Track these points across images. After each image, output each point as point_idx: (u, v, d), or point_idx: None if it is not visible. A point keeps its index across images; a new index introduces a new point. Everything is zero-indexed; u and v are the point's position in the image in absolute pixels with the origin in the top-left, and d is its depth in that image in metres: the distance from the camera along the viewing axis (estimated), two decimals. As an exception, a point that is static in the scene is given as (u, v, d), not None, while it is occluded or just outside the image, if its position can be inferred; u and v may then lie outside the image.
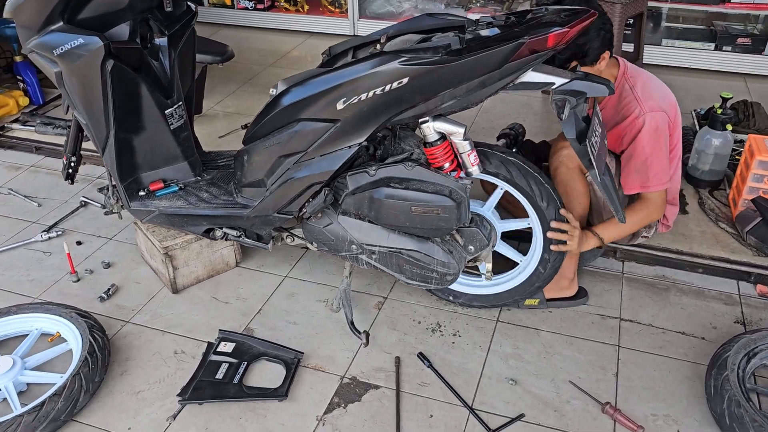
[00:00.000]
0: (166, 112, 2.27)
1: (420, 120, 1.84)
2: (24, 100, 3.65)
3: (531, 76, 1.75)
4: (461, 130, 1.83)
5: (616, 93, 2.09)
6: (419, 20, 2.04)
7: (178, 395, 1.98)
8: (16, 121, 3.57)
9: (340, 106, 1.79)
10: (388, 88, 1.73)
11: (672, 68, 4.06)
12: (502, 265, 2.25)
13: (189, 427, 1.91)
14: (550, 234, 2.04)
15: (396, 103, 1.76)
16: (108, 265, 2.59)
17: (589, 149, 1.75)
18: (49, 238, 2.76)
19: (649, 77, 2.15)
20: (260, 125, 1.96)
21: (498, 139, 2.35)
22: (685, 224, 2.64)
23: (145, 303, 2.39)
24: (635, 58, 3.60)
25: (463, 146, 1.86)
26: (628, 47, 3.65)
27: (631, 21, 3.62)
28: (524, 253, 2.19)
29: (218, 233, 2.25)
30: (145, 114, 2.23)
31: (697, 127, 3.18)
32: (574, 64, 1.95)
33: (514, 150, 2.33)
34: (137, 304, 2.39)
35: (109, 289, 2.44)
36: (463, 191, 1.85)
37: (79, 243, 2.73)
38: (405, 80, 1.71)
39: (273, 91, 1.91)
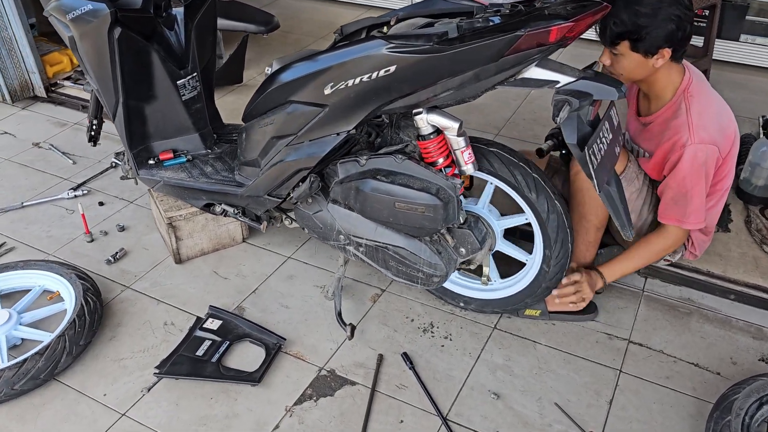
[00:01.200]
0: (178, 82, 2.25)
1: (414, 111, 1.73)
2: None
3: (533, 72, 1.60)
4: (455, 125, 1.70)
5: (670, 109, 1.88)
6: (431, 3, 1.90)
7: (157, 367, 1.99)
8: (68, 78, 3.69)
9: (327, 90, 1.70)
10: (375, 75, 1.62)
11: (748, 67, 3.69)
12: (518, 265, 2.11)
13: (161, 401, 1.92)
14: (557, 293, 1.96)
15: (384, 91, 1.66)
16: (122, 229, 2.63)
17: (588, 157, 1.59)
18: (75, 196, 2.84)
19: (711, 100, 1.88)
20: (256, 103, 1.90)
21: (546, 140, 2.18)
22: (725, 243, 2.40)
23: (148, 270, 2.42)
24: (704, 53, 3.28)
25: (457, 142, 1.73)
26: (698, 41, 3.33)
27: (706, 12, 3.30)
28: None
29: (217, 209, 2.23)
30: (156, 83, 2.22)
31: (761, 135, 2.87)
32: (624, 44, 1.76)
33: (563, 152, 2.16)
34: (141, 270, 2.42)
35: (117, 252, 2.48)
36: (452, 190, 1.73)
37: (101, 204, 2.80)
38: (392, 68, 1.60)
39: (268, 70, 1.85)
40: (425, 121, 1.73)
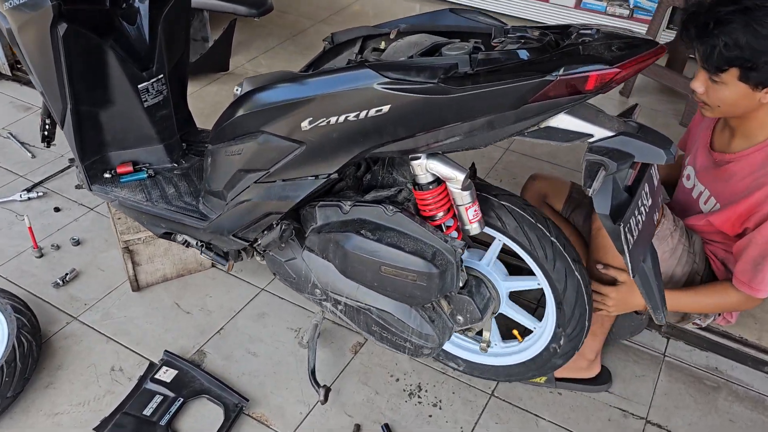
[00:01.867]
0: (139, 86, 1.92)
1: (410, 156, 1.41)
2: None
3: (561, 120, 1.27)
4: (461, 177, 1.38)
5: (763, 151, 1.55)
6: (440, 16, 1.58)
7: (95, 429, 1.71)
8: (36, 55, 3.33)
9: (305, 125, 1.38)
10: (363, 114, 1.30)
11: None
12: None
13: (97, 471, 1.64)
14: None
15: (374, 133, 1.34)
16: (77, 243, 2.33)
17: (623, 233, 1.27)
18: (29, 198, 2.52)
19: None
20: (223, 126, 1.57)
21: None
22: (761, 305, 2.09)
23: (101, 298, 2.12)
24: None
25: (461, 197, 1.42)
26: None
27: None
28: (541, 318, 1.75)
29: (179, 238, 1.92)
30: (112, 87, 1.89)
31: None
32: (732, 72, 1.42)
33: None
34: (92, 297, 2.12)
35: (67, 274, 2.18)
36: (452, 255, 1.42)
37: (57, 209, 2.48)
38: (385, 108, 1.28)
39: (237, 90, 1.52)
40: (424, 167, 1.41)
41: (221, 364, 1.92)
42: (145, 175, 2.00)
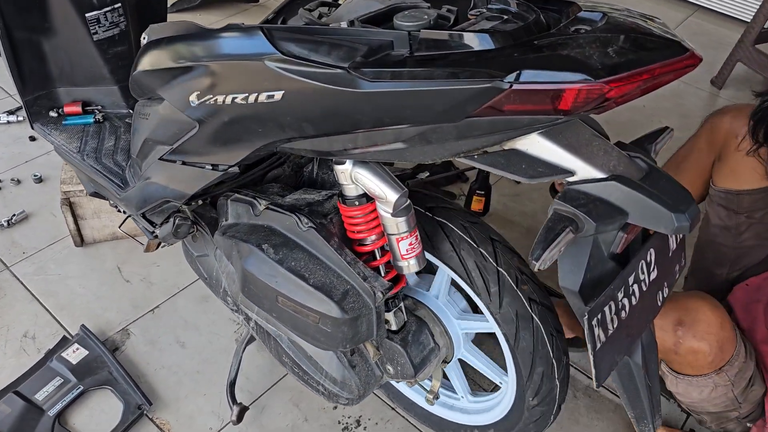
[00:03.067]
0: (87, 15, 1.61)
1: (333, 159, 1.04)
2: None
3: (532, 143, 0.86)
4: (392, 197, 1.00)
5: None
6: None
7: (-23, 406, 1.51)
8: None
9: (193, 100, 1.03)
10: (253, 98, 0.93)
11: None
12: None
13: (-30, 456, 1.44)
14: None
15: (273, 125, 0.97)
16: (39, 180, 2.11)
17: (588, 326, 0.86)
18: (8, 122, 2.33)
19: None
20: (131, 80, 1.25)
21: None
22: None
23: (42, 248, 1.91)
24: None
25: (392, 224, 1.04)
26: None
27: None
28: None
29: (110, 200, 1.64)
30: (52, 12, 1.60)
31: None
32: None
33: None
34: (33, 246, 1.91)
35: (15, 215, 1.97)
36: (371, 298, 1.06)
37: (32, 139, 2.28)
38: (277, 95, 0.90)
39: (144, 38, 1.18)
40: (348, 176, 1.04)
41: (142, 350, 1.66)
42: (91, 120, 1.72)
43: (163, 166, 1.22)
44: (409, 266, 1.07)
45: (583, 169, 0.86)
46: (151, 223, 1.35)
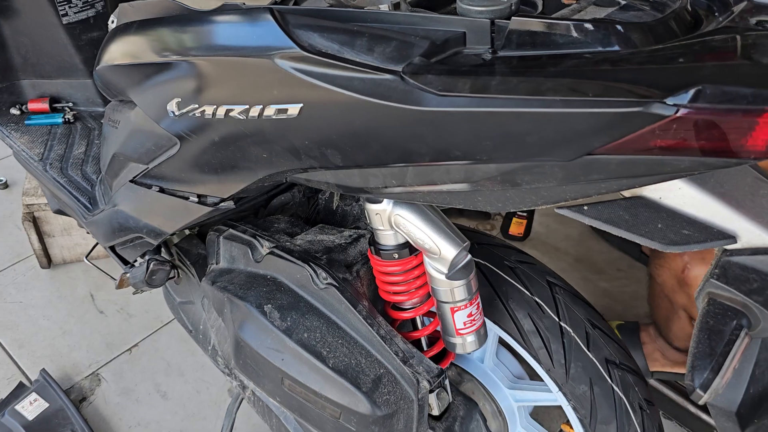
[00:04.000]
0: (55, -7, 1.33)
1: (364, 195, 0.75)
2: None
3: (670, 189, 0.57)
4: (449, 253, 0.71)
5: None
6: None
7: None
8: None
9: (172, 109, 0.74)
10: (256, 111, 0.64)
11: None
12: None
13: None
14: None
15: (285, 150, 0.68)
16: (5, 186, 1.82)
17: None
18: (-27, 116, 2.03)
19: None
20: (96, 74, 0.95)
21: None
22: None
23: (1, 269, 1.62)
24: None
25: (446, 290, 0.75)
26: None
27: None
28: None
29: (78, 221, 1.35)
30: (13, -12, 1.31)
31: None
32: None
33: None
34: (-8, 266, 1.62)
35: (-28, 228, 1.68)
36: (413, 388, 0.77)
37: (0, 136, 1.98)
38: (293, 109, 0.61)
39: (112, 21, 0.89)
40: (387, 220, 0.75)
41: (115, 401, 1.37)
42: (60, 120, 1.43)
43: (135, 192, 0.93)
44: (465, 345, 0.78)
45: (749, 232, 0.57)
46: (123, 260, 1.06)
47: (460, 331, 0.77)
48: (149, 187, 0.90)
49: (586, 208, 0.61)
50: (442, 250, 0.71)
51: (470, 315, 0.76)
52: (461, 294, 0.74)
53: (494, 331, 0.90)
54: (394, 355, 0.77)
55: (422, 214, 0.72)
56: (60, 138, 1.39)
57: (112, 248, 1.07)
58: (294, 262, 0.83)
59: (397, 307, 0.82)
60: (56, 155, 1.34)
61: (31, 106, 1.45)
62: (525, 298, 0.85)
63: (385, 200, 0.73)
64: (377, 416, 0.76)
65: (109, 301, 1.56)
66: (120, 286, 1.21)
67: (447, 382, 0.90)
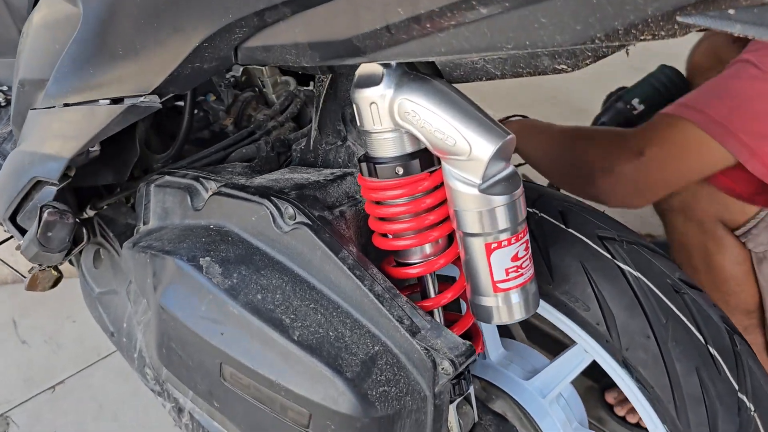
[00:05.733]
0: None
1: (357, 76, 0.49)
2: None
3: None
4: (485, 151, 0.45)
5: None
6: None
7: None
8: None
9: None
10: None
11: None
12: None
13: None
14: None
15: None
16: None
17: None
18: None
19: None
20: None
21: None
22: None
23: None
24: None
25: (479, 214, 0.48)
26: None
27: None
28: None
29: None
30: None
31: None
32: None
33: None
34: None
35: None
36: (426, 375, 0.48)
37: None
38: None
39: None
40: (388, 109, 0.48)
41: (24, 452, 1.05)
42: (-11, 102, 1.19)
43: (37, 120, 0.67)
44: (507, 308, 0.50)
45: None
46: (22, 230, 0.78)
47: (499, 285, 0.49)
48: (52, 107, 0.64)
49: (732, 12, 0.35)
50: (473, 147, 0.45)
51: (516, 258, 0.49)
52: (503, 220, 0.47)
53: (589, 353, 0.61)
54: (397, 323, 0.49)
55: (442, 95, 0.47)
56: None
57: (13, 219, 0.79)
58: (248, 200, 0.56)
59: (400, 261, 0.55)
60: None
61: (-41, 87, 1.22)
62: (682, 327, 0.56)
63: (385, 80, 0.48)
64: (367, 420, 0.47)
65: (36, 329, 1.26)
66: (31, 285, 0.93)
67: (473, 391, 0.61)
